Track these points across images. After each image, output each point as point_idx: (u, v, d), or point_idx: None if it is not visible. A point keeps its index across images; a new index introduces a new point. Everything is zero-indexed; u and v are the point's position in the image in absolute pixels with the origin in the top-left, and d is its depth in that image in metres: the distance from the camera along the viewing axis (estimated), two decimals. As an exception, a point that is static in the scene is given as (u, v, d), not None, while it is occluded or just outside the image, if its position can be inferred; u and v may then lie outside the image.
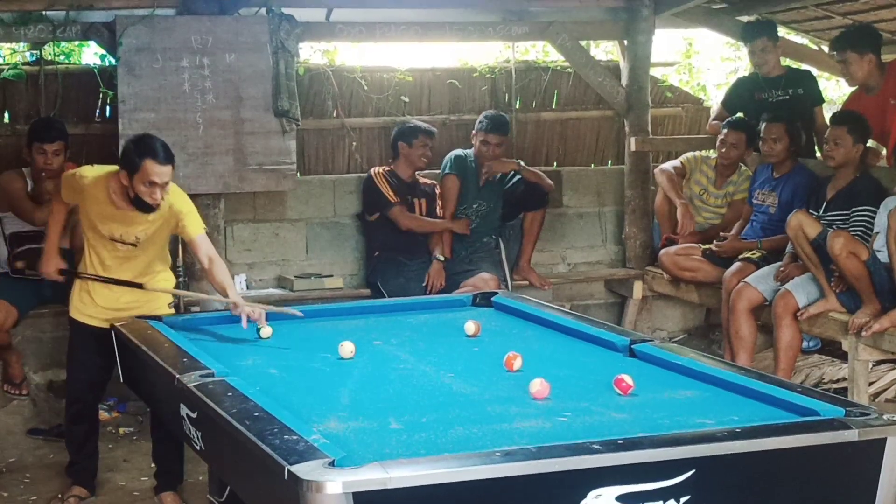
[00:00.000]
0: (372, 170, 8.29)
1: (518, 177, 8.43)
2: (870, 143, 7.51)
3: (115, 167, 5.90)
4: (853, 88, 8.02)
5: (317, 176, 8.64)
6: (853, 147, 7.14)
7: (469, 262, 8.26)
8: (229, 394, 4.14)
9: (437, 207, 8.33)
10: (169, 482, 6.21)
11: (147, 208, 5.76)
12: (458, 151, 8.45)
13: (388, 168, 8.29)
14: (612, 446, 3.49)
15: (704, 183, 8.47)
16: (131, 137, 5.93)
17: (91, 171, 5.96)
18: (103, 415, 7.52)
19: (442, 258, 8.09)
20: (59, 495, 6.28)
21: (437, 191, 8.38)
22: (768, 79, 8.35)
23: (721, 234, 8.15)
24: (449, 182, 8.35)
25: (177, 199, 5.95)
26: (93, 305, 6.08)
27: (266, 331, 5.41)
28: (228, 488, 4.76)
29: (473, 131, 8.39)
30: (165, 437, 5.96)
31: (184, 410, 4.37)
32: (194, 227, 5.96)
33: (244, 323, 5.49)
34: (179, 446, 6.00)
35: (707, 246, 8.13)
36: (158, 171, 5.63)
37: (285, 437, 3.58)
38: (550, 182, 8.53)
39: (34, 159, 7.31)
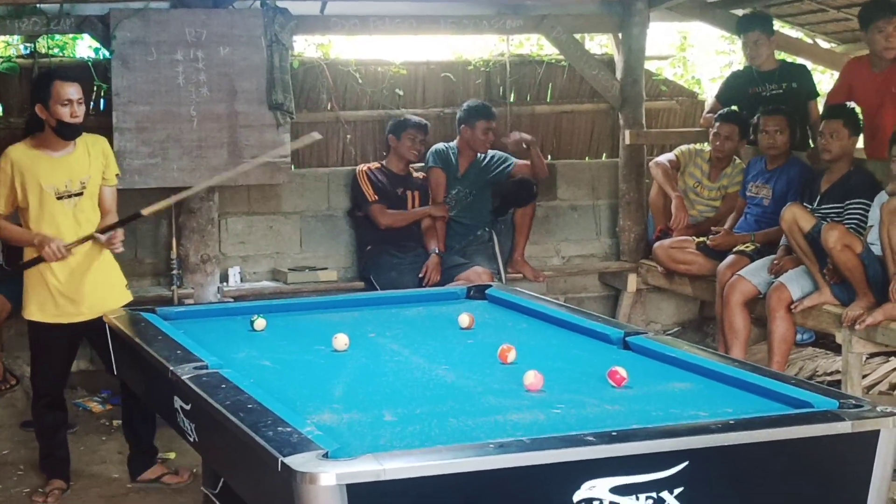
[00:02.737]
0: (358, 167, 8.32)
1: (504, 167, 8.46)
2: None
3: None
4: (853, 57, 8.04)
5: (311, 169, 8.64)
6: (849, 140, 7.15)
7: (463, 255, 8.27)
8: (223, 386, 4.13)
9: (430, 201, 8.36)
10: (148, 461, 6.39)
11: (72, 131, 5.99)
12: (440, 145, 8.50)
13: (378, 164, 8.32)
14: (606, 438, 3.48)
15: (699, 176, 8.48)
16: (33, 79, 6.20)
17: (9, 148, 6.13)
18: (96, 407, 7.55)
19: (438, 252, 8.11)
20: (40, 489, 6.27)
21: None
22: (762, 72, 8.34)
23: (713, 228, 8.15)
24: (434, 174, 8.43)
25: (100, 139, 6.27)
26: (51, 300, 6.06)
27: (260, 323, 5.41)
28: (222, 480, 4.75)
29: (463, 125, 8.37)
30: (138, 415, 6.20)
31: (177, 403, 4.36)
32: (113, 171, 6.26)
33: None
34: (153, 419, 6.19)
35: (701, 239, 8.14)
36: (68, 87, 5.92)
37: (279, 429, 3.58)
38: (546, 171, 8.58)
39: None
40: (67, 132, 5.99)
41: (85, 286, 6.10)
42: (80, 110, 5.95)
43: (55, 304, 6.07)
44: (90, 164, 6.12)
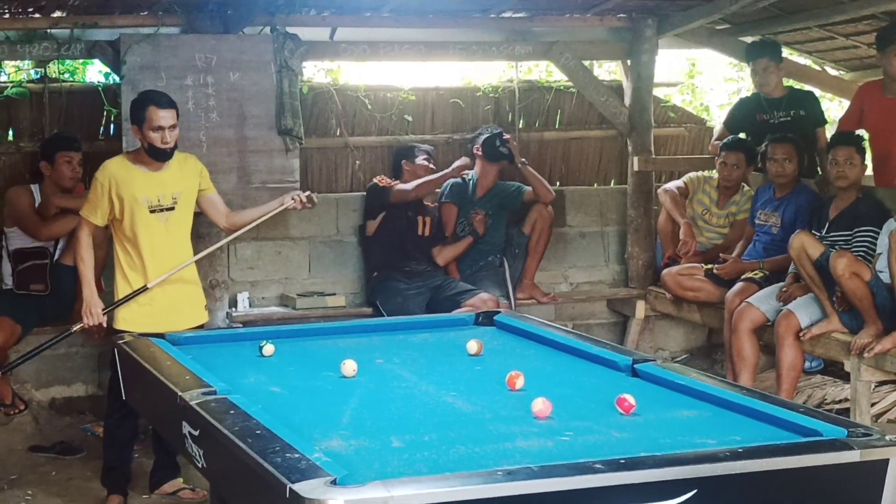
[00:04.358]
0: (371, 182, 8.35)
1: (518, 193, 8.48)
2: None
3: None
4: (867, 81, 8.04)
5: (320, 194, 8.60)
6: (861, 166, 7.16)
7: (473, 281, 8.26)
8: (231, 412, 4.13)
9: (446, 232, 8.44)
10: (168, 475, 6.54)
11: (162, 155, 6.22)
12: (457, 178, 8.49)
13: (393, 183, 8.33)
14: (615, 466, 3.48)
15: (707, 203, 8.48)
16: (135, 96, 6.48)
17: (107, 161, 6.37)
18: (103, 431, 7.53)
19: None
20: None
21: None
22: (770, 100, 8.35)
23: (721, 255, 8.15)
24: (446, 209, 8.47)
25: (190, 156, 6.56)
26: (140, 310, 6.24)
27: (268, 348, 5.41)
28: (230, 506, 4.75)
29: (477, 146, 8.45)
30: None
31: (186, 428, 4.36)
32: (208, 182, 6.56)
33: (298, 205, 6.44)
34: None
35: (709, 266, 8.13)
36: (162, 114, 6.15)
37: (287, 455, 3.58)
38: (551, 191, 8.57)
39: (58, 170, 7.42)
40: (158, 156, 6.23)
41: (172, 300, 6.33)
42: (172, 136, 6.19)
43: (143, 314, 6.23)
44: (183, 180, 6.37)
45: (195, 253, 6.58)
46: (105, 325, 6.27)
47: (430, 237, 8.31)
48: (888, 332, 6.59)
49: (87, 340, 7.71)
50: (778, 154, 7.76)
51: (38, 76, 8.19)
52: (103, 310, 6.24)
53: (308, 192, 6.50)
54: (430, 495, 3.29)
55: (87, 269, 6.27)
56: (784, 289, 7.34)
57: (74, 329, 6.30)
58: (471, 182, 8.46)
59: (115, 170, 6.26)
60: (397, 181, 8.23)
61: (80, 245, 6.29)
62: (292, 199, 6.45)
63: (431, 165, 8.34)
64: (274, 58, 7.84)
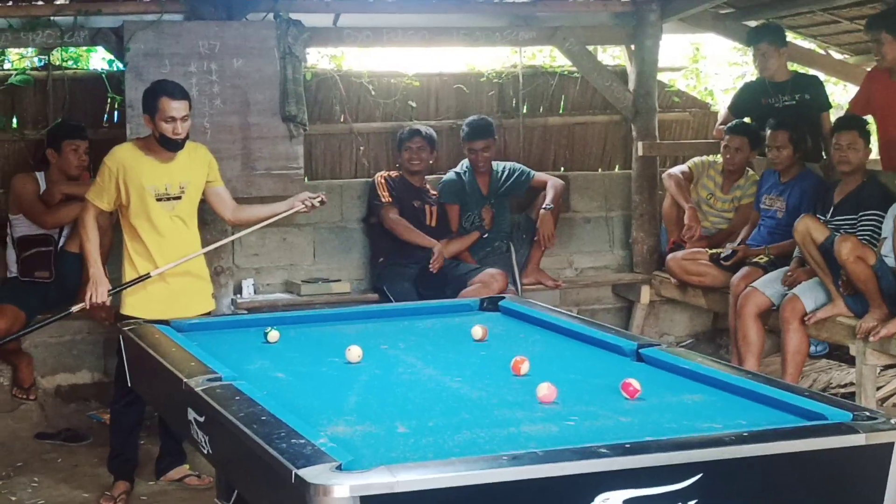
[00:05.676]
0: (377, 174, 8.32)
1: (522, 178, 8.47)
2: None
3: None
4: (871, 67, 8.01)
5: (324, 181, 8.64)
6: (864, 150, 7.14)
7: (479, 266, 8.24)
8: (237, 398, 4.13)
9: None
10: (174, 461, 6.61)
11: (173, 145, 6.18)
12: (451, 175, 8.47)
13: (397, 173, 8.31)
14: (620, 450, 3.47)
15: (712, 188, 8.47)
16: (148, 86, 6.41)
17: (117, 147, 6.37)
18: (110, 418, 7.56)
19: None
20: (107, 493, 6.38)
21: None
22: (775, 84, 8.33)
23: (728, 245, 8.14)
24: (448, 209, 8.43)
25: (200, 147, 6.52)
26: (147, 297, 6.24)
27: (273, 335, 5.41)
28: (236, 492, 4.75)
29: (461, 142, 8.42)
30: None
31: (191, 414, 4.36)
32: (216, 174, 6.52)
33: (309, 210, 6.45)
34: None
35: (714, 251, 8.12)
36: (175, 105, 6.10)
37: (292, 440, 3.58)
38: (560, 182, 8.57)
39: (65, 158, 7.45)
40: (169, 146, 6.20)
41: (181, 289, 6.34)
42: (183, 127, 6.15)
43: (151, 301, 6.23)
44: (191, 170, 6.35)
45: (202, 241, 6.57)
46: (108, 304, 6.27)
47: (437, 227, 8.28)
48: (893, 316, 6.59)
49: (95, 326, 7.75)
50: (771, 141, 7.76)
51: (42, 64, 8.19)
52: (108, 291, 6.23)
53: (320, 196, 6.48)
54: (435, 480, 3.29)
55: (94, 247, 6.25)
56: (789, 273, 7.34)
57: (74, 309, 6.30)
58: (466, 174, 8.43)
59: (124, 156, 6.25)
60: (391, 200, 8.18)
61: (84, 227, 6.26)
62: (303, 202, 6.42)
63: (419, 155, 8.25)
64: (277, 44, 7.84)
